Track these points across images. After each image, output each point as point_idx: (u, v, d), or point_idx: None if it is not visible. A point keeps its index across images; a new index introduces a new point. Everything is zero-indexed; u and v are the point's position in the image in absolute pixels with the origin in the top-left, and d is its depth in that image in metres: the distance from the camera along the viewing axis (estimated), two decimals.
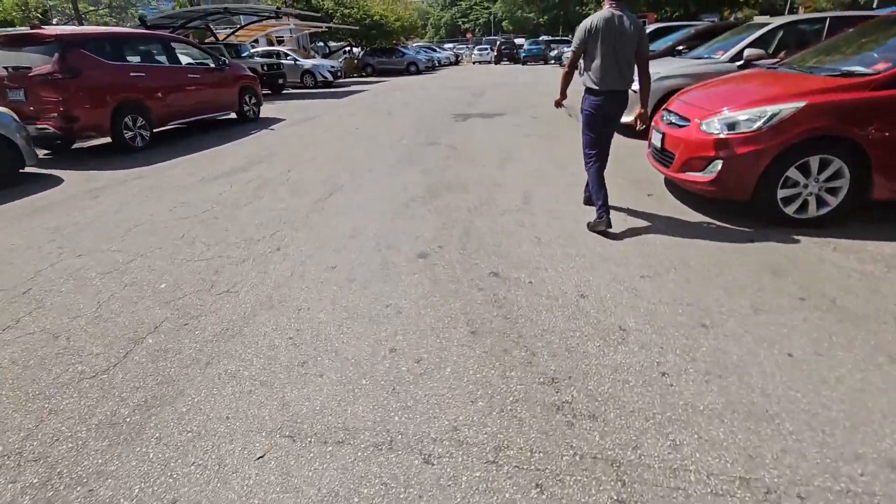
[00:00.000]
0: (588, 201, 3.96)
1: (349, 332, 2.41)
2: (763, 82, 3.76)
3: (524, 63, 31.32)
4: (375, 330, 2.42)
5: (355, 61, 26.91)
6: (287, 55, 18.28)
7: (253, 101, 9.77)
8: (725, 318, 2.39)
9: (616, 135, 3.73)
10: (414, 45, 38.24)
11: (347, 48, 27.53)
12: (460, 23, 75.34)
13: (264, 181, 5.20)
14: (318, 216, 4.07)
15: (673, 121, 3.92)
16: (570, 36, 33.08)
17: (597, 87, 3.33)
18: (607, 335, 2.29)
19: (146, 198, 4.74)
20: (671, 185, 4.44)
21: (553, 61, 27.60)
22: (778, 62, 4.37)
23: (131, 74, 6.94)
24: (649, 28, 13.81)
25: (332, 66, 18.83)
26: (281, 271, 3.10)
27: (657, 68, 6.25)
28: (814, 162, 3.20)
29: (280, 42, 23.96)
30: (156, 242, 3.62)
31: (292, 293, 2.81)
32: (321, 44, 27.17)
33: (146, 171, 5.84)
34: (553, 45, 36.16)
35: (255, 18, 17.78)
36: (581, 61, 3.40)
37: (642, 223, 3.63)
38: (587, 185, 3.78)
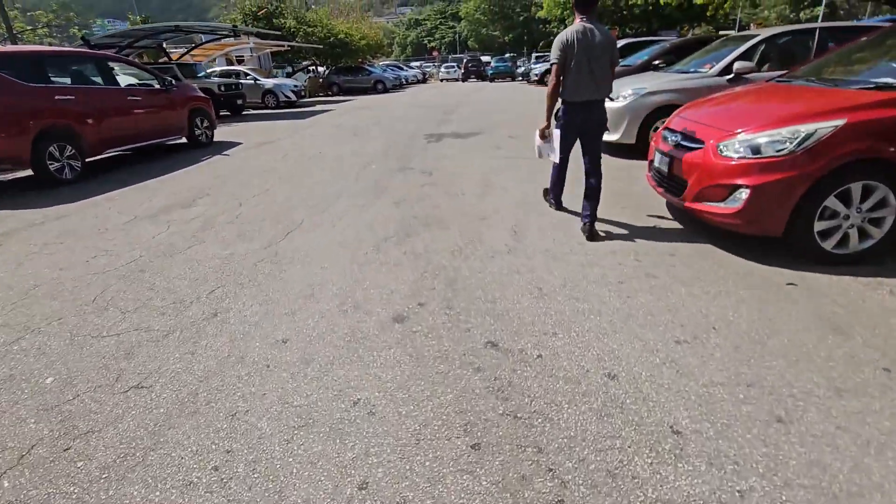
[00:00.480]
0: (591, 236, 3.52)
1: (302, 454, 1.72)
2: (784, 97, 3.32)
3: (492, 80, 31.39)
4: (339, 448, 1.73)
5: (320, 80, 26.25)
6: (247, 74, 17.46)
7: (205, 124, 8.95)
8: (802, 405, 1.82)
9: (609, 156, 3.22)
10: (380, 63, 37.97)
11: (311, 67, 26.85)
12: (426, 41, 75.97)
13: (208, 220, 4.45)
14: (270, 266, 3.36)
15: (681, 142, 3.43)
16: (547, 51, 33.56)
17: (572, 99, 3.40)
18: (658, 443, 1.68)
19: (60, 245, 3.91)
20: (677, 210, 3.95)
21: (521, 78, 27.68)
22: (783, 75, 3.98)
23: (57, 98, 6.06)
24: (620, 43, 13.81)
25: (296, 86, 18.11)
26: (215, 349, 2.38)
27: (642, 83, 5.89)
28: (856, 189, 2.74)
29: (240, 61, 23.11)
30: (57, 310, 2.83)
31: (226, 386, 2.10)
32: (288, 66, 26.42)
33: (70, 208, 4.98)
34: (519, 63, 36.61)
35: (212, 37, 16.96)
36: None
37: (658, 264, 3.09)
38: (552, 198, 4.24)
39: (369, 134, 9.60)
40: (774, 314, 2.44)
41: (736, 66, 5.37)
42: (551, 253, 3.34)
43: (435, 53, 59.54)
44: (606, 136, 6.06)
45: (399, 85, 29.34)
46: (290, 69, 26.37)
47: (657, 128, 5.78)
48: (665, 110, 5.68)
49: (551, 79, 3.37)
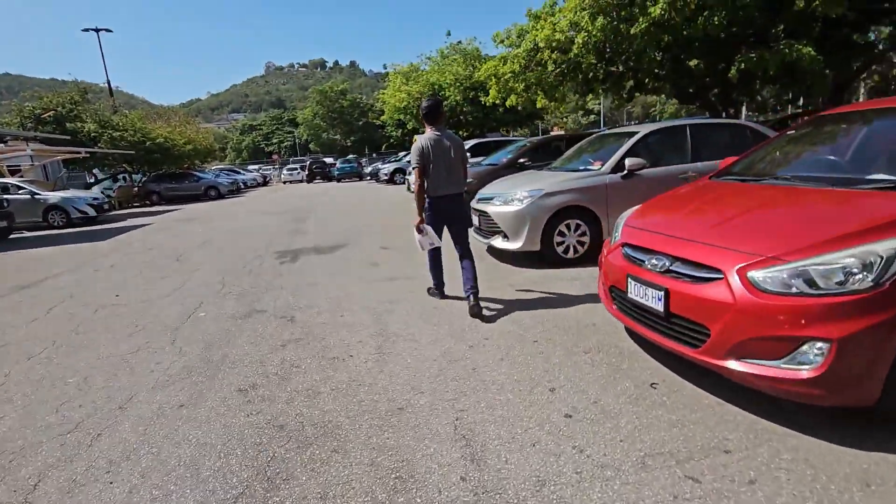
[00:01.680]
0: (476, 313, 3.76)
1: None
2: (793, 203, 2.56)
3: (339, 180, 30.89)
4: None
5: (135, 189, 22.38)
6: (19, 188, 13.48)
7: None
8: None
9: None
10: (213, 168, 34.87)
11: (122, 175, 22.88)
12: (263, 146, 74.31)
13: None
14: None
15: (674, 268, 2.44)
16: (392, 152, 34.54)
17: (436, 194, 3.86)
18: None
19: None
20: (657, 350, 2.90)
21: (368, 177, 27.62)
22: (720, 173, 3.44)
23: None
24: (471, 143, 14.21)
25: (95, 198, 14.61)
26: None
27: (536, 184, 5.23)
28: None
29: (16, 172, 18.35)
30: None
31: None
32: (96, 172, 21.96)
33: None
34: (364, 162, 37.22)
35: None
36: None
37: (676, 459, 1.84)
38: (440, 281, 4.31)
39: (198, 257, 7.37)
40: None
41: (627, 162, 5.04)
42: (554, 499, 1.86)
43: (275, 157, 58.08)
44: (506, 245, 5.19)
45: (237, 189, 26.84)
46: (91, 179, 22.04)
47: (561, 232, 5.09)
48: (567, 212, 5.03)
49: (416, 180, 3.83)
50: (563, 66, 9.71)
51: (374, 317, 4.00)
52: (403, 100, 22.30)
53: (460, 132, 24.68)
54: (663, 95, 12.90)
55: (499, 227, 5.29)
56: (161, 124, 24.00)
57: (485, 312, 3.83)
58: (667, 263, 2.50)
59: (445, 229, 4.04)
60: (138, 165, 22.25)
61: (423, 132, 3.97)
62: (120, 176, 22.86)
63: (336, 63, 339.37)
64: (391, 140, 36.56)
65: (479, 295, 3.89)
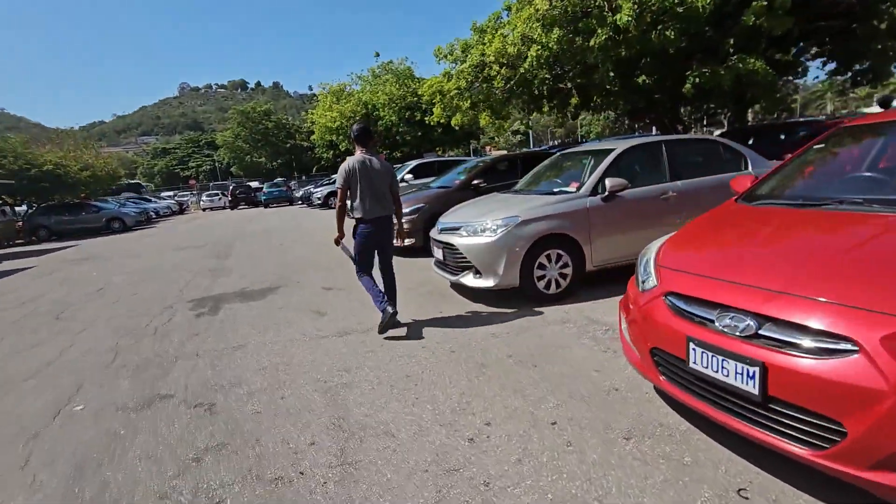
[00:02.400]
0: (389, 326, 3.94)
1: None
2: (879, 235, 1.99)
3: (266, 206, 28.78)
4: None
5: (18, 223, 19.16)
6: None
7: None
8: None
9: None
10: (123, 196, 31.32)
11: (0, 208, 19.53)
12: (178, 170, 68.71)
13: None
14: None
15: (770, 335, 1.76)
16: (325, 174, 32.78)
17: (363, 216, 3.95)
18: None
19: None
20: (719, 429, 2.20)
21: (300, 202, 25.91)
22: (745, 196, 2.89)
23: None
24: (413, 163, 13.46)
25: None
26: None
27: (508, 211, 4.53)
28: None
29: None
30: None
31: None
32: None
33: None
34: (293, 185, 35.18)
35: None
36: (348, 200, 3.98)
37: None
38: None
39: (87, 313, 5.86)
40: None
41: (608, 183, 4.48)
42: None
43: (192, 182, 53.85)
44: (479, 283, 4.45)
45: (147, 220, 24.06)
46: None
47: (541, 264, 4.41)
48: (546, 241, 4.37)
49: (338, 200, 3.97)
50: (512, 81, 9.32)
51: (327, 397, 3.00)
52: (335, 119, 21.13)
53: (395, 153, 23.99)
54: (609, 112, 12.99)
55: (469, 262, 4.50)
56: (50, 149, 20.91)
57: (477, 375, 3.09)
58: (752, 325, 1.82)
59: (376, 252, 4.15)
60: (23, 197, 19.08)
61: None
62: None
63: (258, 84, 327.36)
64: (322, 162, 34.96)
65: (456, 345, 3.63)
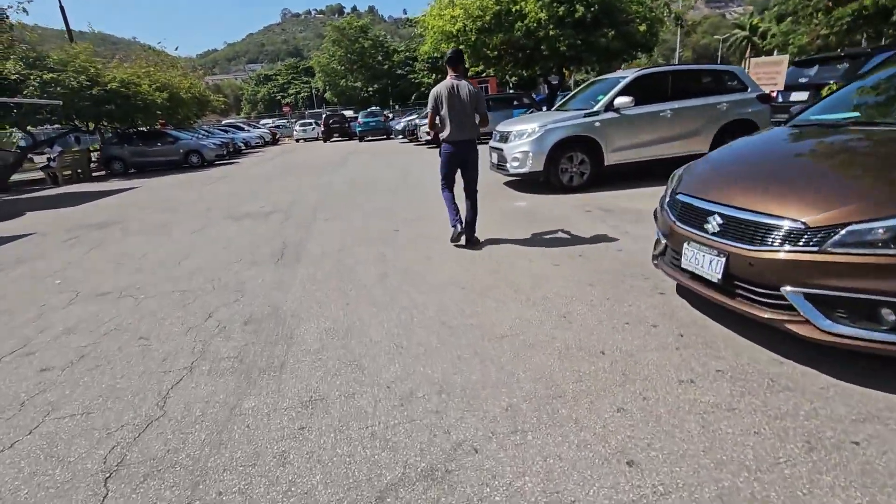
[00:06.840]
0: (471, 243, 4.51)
1: None
2: None
3: (361, 139, 24.58)
4: None
5: (91, 153, 16.70)
6: None
7: None
8: None
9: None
10: (223, 122, 28.97)
11: (72, 136, 17.19)
12: (279, 97, 67.17)
13: None
14: None
15: None
16: (423, 104, 27.73)
17: (449, 139, 4.29)
18: None
19: None
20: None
21: (401, 136, 21.17)
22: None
23: None
24: (629, 76, 8.16)
25: None
26: None
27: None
28: None
29: None
30: None
31: None
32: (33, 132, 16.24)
33: None
34: (390, 115, 30.54)
35: None
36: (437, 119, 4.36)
37: None
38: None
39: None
40: None
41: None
42: None
43: (286, 109, 51.51)
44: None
45: (234, 151, 21.02)
46: (28, 141, 16.42)
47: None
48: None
49: (429, 120, 4.40)
50: None
51: None
52: (457, 19, 14.99)
53: (532, 70, 17.80)
54: None
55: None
56: (128, 65, 17.86)
57: None
58: None
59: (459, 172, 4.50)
60: (85, 121, 16.35)
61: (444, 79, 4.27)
62: (72, 136, 17.21)
63: (354, 8, 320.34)
64: (422, 88, 29.59)
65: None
